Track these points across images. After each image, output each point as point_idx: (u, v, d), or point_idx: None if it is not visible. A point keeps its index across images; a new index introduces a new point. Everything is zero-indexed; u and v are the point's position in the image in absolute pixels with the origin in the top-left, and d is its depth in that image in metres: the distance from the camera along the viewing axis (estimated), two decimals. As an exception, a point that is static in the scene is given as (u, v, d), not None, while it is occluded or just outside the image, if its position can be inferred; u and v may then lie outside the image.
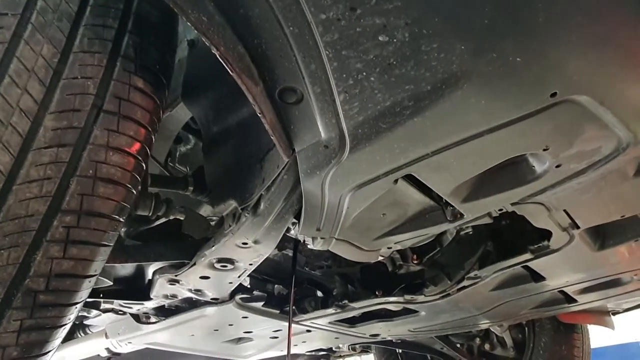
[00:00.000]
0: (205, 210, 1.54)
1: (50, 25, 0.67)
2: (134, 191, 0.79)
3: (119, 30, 0.74)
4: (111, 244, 0.79)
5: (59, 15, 0.68)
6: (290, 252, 1.84)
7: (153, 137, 0.81)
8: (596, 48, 0.68)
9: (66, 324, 0.78)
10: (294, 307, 1.81)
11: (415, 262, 1.61)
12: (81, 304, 0.80)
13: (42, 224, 0.68)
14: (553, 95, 0.73)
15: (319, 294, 1.96)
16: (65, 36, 0.69)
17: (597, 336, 2.76)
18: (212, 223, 1.41)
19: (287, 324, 1.88)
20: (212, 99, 1.26)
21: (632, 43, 0.70)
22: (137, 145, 0.75)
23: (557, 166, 0.90)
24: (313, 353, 3.19)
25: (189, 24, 0.65)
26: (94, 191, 0.72)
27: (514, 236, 1.45)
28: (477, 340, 2.83)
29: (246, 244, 1.21)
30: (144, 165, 0.81)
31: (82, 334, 2.42)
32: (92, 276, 0.78)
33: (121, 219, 0.78)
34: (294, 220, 1.15)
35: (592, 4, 0.62)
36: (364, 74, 0.74)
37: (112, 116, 0.73)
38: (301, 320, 1.91)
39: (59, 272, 0.71)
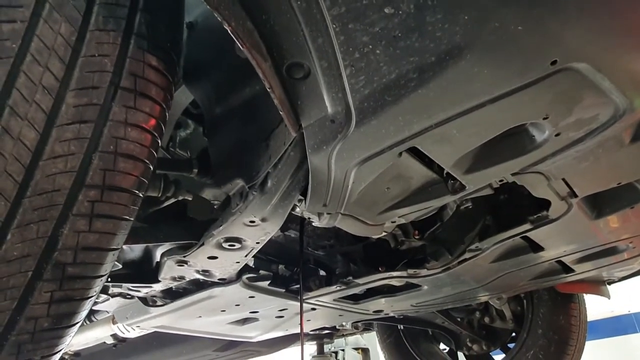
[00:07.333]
0: (207, 195, 1.56)
1: (66, 3, 0.69)
2: (151, 167, 0.81)
3: (131, 8, 0.76)
4: (132, 219, 0.81)
5: (74, -6, 0.69)
6: (292, 234, 1.87)
7: (166, 114, 0.83)
8: (594, 15, 0.70)
9: (92, 296, 0.81)
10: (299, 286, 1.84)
11: (417, 237, 1.64)
12: (106, 277, 0.83)
13: (68, 198, 0.71)
14: (553, 63, 0.74)
15: (322, 273, 1.99)
16: (81, 15, 0.70)
17: (590, 310, 2.81)
18: (215, 207, 1.44)
19: (293, 302, 1.92)
20: (213, 81, 1.27)
21: (629, 10, 0.72)
22: (153, 122, 0.77)
23: (557, 135, 0.92)
24: (317, 332, 3.25)
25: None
26: (115, 166, 0.74)
27: (512, 210, 1.49)
28: (477, 313, 2.90)
29: (253, 222, 1.23)
30: (159, 142, 0.83)
31: (88, 322, 2.45)
32: (115, 249, 0.80)
33: (140, 194, 0.80)
34: (300, 197, 1.17)
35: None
36: (370, 47, 0.75)
37: (129, 93, 0.74)
38: (307, 298, 1.95)
39: (85, 245, 0.74)
